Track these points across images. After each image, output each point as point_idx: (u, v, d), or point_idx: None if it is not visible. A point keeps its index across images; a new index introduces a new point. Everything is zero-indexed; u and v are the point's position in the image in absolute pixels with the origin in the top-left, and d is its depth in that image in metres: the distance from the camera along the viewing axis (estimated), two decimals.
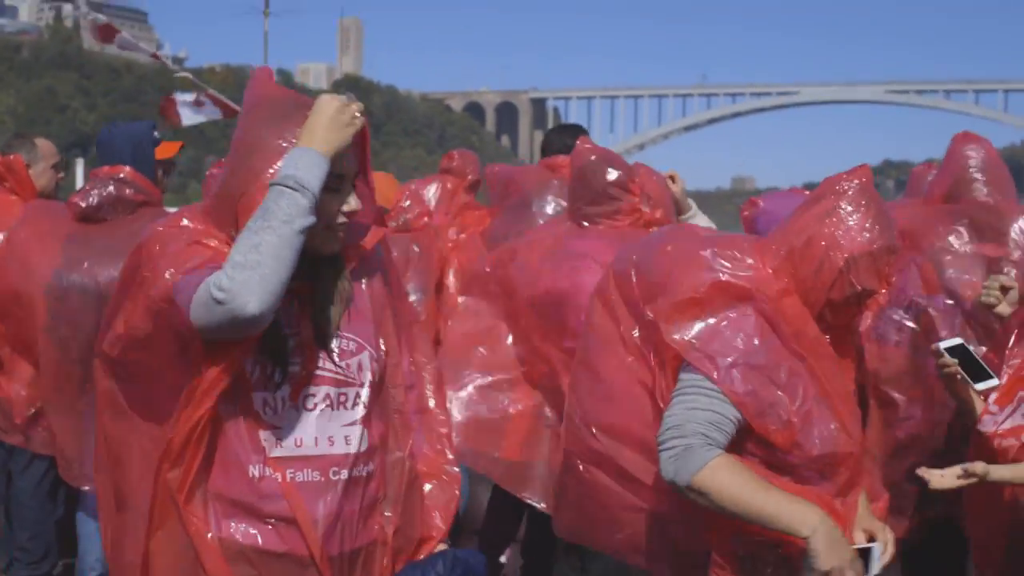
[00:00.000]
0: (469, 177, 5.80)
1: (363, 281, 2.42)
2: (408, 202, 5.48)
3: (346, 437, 2.30)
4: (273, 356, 2.23)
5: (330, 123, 2.17)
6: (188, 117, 12.51)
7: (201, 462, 2.23)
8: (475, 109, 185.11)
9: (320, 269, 2.30)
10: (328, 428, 2.29)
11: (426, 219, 5.48)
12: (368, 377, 2.35)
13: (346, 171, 2.25)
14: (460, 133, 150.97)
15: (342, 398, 2.31)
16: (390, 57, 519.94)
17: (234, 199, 2.20)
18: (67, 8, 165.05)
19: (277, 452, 2.24)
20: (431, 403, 2.60)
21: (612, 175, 3.95)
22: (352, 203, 2.26)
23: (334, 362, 2.30)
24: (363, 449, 2.32)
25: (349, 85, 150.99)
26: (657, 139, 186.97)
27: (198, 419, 2.19)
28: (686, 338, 2.52)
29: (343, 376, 2.31)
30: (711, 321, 2.53)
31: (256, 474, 2.23)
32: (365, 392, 2.34)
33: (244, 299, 2.02)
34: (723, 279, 2.56)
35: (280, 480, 2.23)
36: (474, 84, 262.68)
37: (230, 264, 2.05)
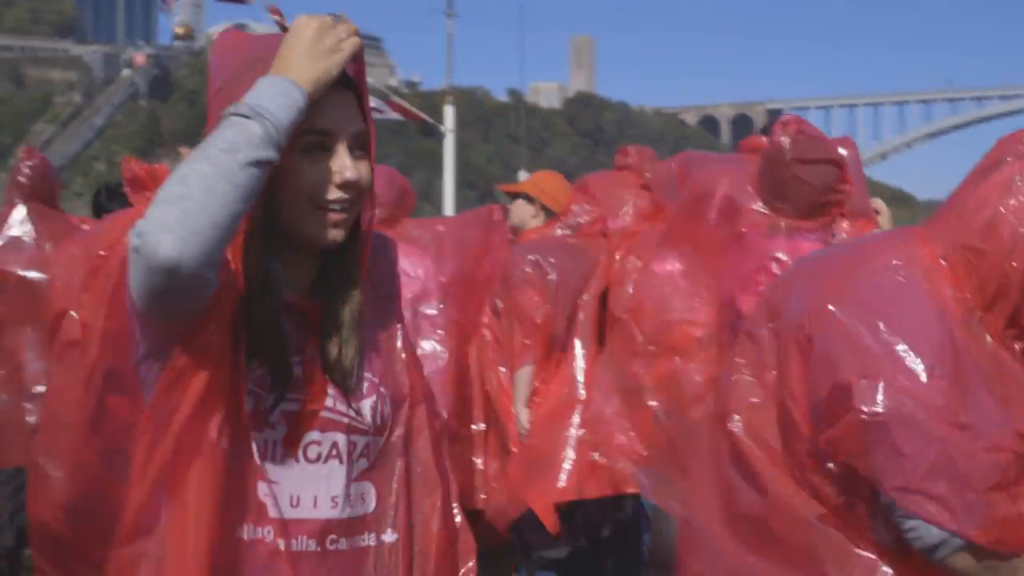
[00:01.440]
0: (647, 175, 5.12)
1: (377, 301, 1.94)
2: (581, 205, 5.01)
3: (349, 496, 1.83)
4: (273, 385, 1.75)
5: (308, 48, 1.67)
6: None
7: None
8: (710, 122, 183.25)
9: (332, 282, 1.84)
10: (331, 484, 1.81)
11: (589, 218, 4.98)
12: (383, 422, 1.88)
13: (336, 126, 1.75)
14: (694, 147, 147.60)
15: (351, 447, 1.83)
16: (623, 74, 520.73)
17: None
18: None
19: (274, 512, 1.74)
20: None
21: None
22: (348, 170, 1.74)
23: (345, 402, 1.82)
24: (371, 510, 1.86)
25: (581, 102, 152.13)
26: (900, 148, 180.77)
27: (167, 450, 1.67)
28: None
29: (353, 420, 1.83)
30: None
31: (247, 536, 1.72)
32: (379, 441, 1.88)
33: (156, 238, 1.51)
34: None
35: (282, 548, 1.73)
36: (709, 98, 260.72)
37: (151, 203, 1.56)
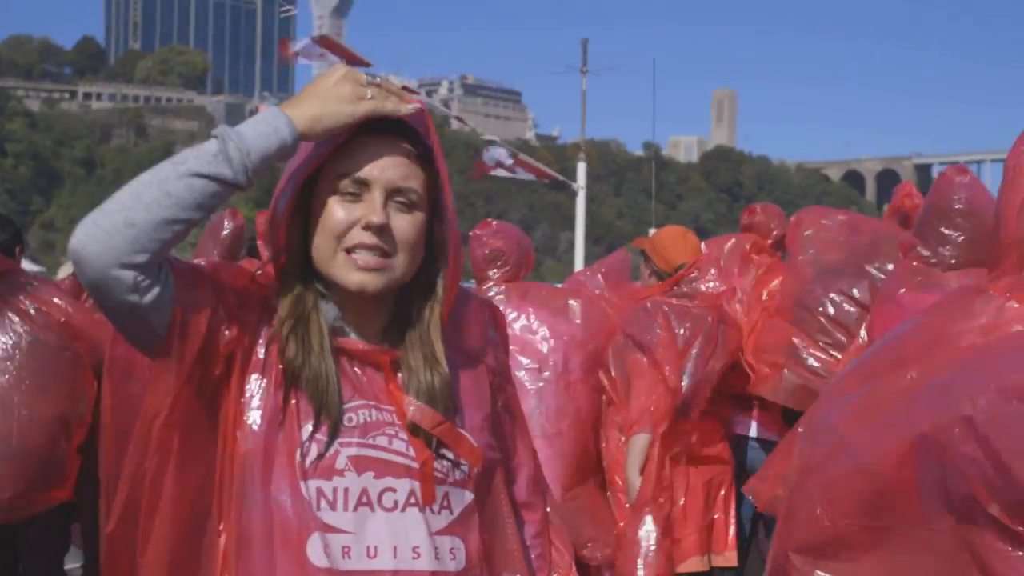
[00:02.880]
0: (774, 233, 5.44)
1: (461, 356, 1.90)
2: (702, 271, 4.85)
3: (436, 549, 1.76)
4: (331, 431, 1.72)
5: (321, 91, 1.70)
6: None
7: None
8: (854, 178, 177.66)
9: (401, 332, 1.83)
10: (410, 534, 1.74)
11: (714, 284, 4.86)
12: (467, 474, 1.82)
13: (371, 175, 1.75)
14: (837, 203, 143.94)
15: (430, 496, 1.77)
16: (764, 128, 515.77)
17: None
18: (443, 89, 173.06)
19: (345, 565, 1.69)
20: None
21: None
22: (375, 214, 1.73)
23: (422, 449, 1.77)
24: (460, 568, 1.79)
25: (719, 156, 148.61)
26: None
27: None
28: None
29: (431, 468, 1.78)
30: None
31: None
32: (464, 494, 1.82)
33: (74, 232, 1.58)
34: None
35: None
36: (853, 152, 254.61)
37: None
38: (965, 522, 1.72)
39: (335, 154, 1.76)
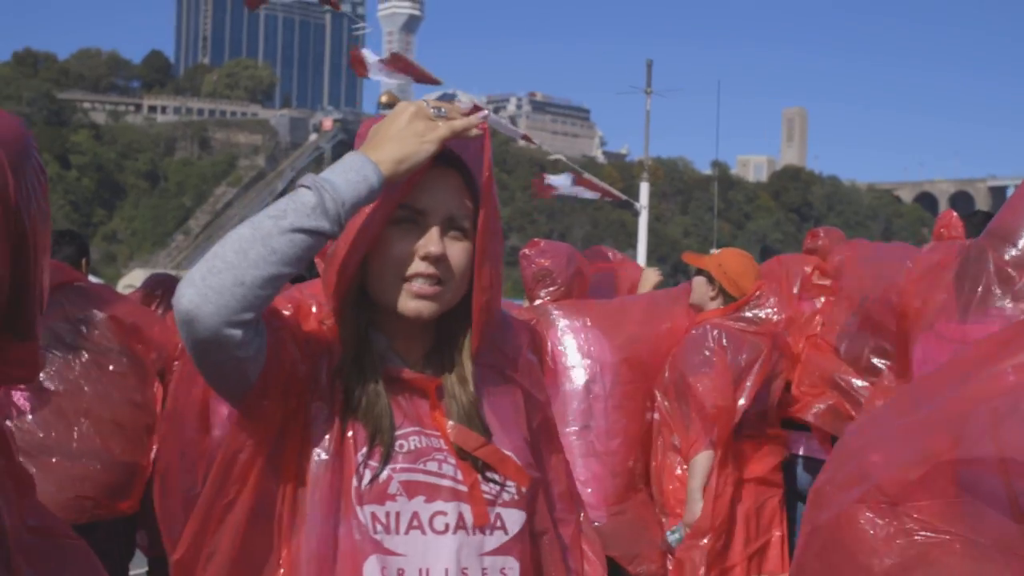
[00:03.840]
0: (837, 258, 5.23)
1: (502, 376, 1.97)
2: (764, 296, 4.83)
3: (484, 570, 1.80)
4: (384, 457, 1.78)
5: (398, 132, 1.73)
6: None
7: None
8: (927, 199, 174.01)
9: (443, 359, 1.90)
10: (461, 556, 1.79)
11: (773, 311, 4.80)
12: (517, 494, 1.86)
13: (429, 206, 1.81)
14: (908, 225, 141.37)
15: (480, 519, 1.81)
16: (835, 148, 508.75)
17: None
18: (511, 106, 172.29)
19: None
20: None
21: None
22: (433, 244, 1.79)
23: (470, 472, 1.83)
24: None
25: (788, 175, 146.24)
26: None
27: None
28: None
29: (480, 491, 1.83)
30: None
31: None
32: (518, 514, 1.86)
33: (180, 291, 1.60)
34: None
35: None
36: (927, 174, 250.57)
37: None
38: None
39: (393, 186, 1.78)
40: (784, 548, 4.72)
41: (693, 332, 4.65)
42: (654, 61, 24.97)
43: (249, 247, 1.59)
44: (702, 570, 4.38)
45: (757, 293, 4.78)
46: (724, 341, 4.56)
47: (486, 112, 1.79)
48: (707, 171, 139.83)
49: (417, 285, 1.79)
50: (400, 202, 1.79)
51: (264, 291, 1.61)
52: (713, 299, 4.85)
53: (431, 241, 1.78)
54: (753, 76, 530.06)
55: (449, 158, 1.82)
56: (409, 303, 1.79)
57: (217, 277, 1.58)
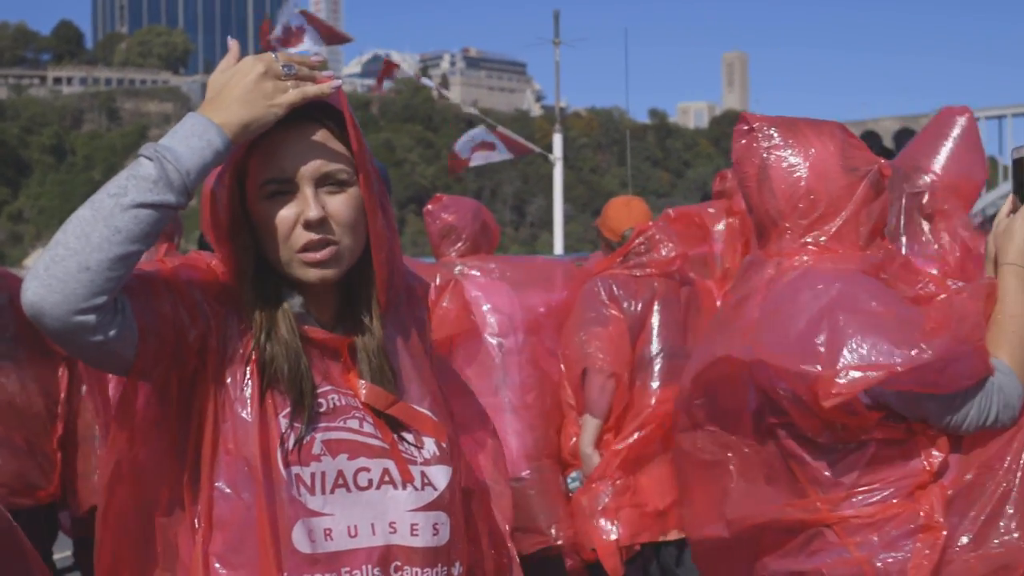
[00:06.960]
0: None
1: (408, 333, 1.94)
2: (654, 238, 4.63)
3: (414, 525, 1.80)
4: (307, 419, 1.75)
5: (246, 94, 1.65)
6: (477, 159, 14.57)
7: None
8: (871, 138, 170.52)
9: (352, 316, 1.85)
10: (388, 510, 1.78)
11: (667, 250, 4.61)
12: (440, 450, 1.86)
13: (295, 171, 1.74)
14: None
15: (406, 474, 1.80)
16: (777, 92, 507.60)
17: None
18: (444, 63, 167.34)
19: (327, 547, 1.73)
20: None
21: None
22: (310, 210, 1.73)
23: (389, 429, 1.82)
24: (444, 542, 1.83)
25: (728, 121, 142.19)
26: None
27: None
28: None
29: (400, 447, 1.82)
30: None
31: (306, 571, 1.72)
32: (442, 470, 1.85)
33: (26, 284, 1.55)
34: None
35: None
36: (871, 113, 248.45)
37: None
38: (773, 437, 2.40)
39: (253, 158, 1.75)
40: None
41: (584, 289, 4.56)
42: (561, 11, 24.68)
43: (91, 230, 1.53)
44: (598, 511, 4.34)
45: (642, 237, 4.59)
46: (615, 290, 4.48)
47: (339, 82, 1.71)
48: (645, 120, 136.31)
49: (308, 255, 1.73)
50: (267, 177, 1.72)
51: (114, 272, 1.54)
52: (604, 251, 4.88)
53: (306, 206, 1.71)
54: (693, 22, 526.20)
55: (306, 111, 1.72)
56: (309, 272, 1.74)
57: (60, 265, 1.52)
